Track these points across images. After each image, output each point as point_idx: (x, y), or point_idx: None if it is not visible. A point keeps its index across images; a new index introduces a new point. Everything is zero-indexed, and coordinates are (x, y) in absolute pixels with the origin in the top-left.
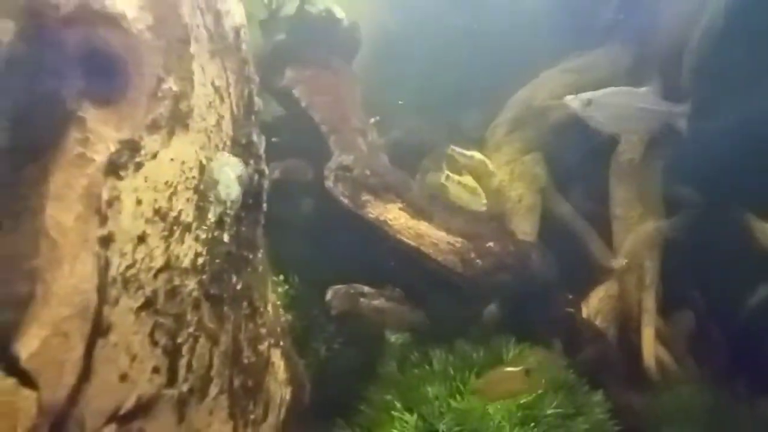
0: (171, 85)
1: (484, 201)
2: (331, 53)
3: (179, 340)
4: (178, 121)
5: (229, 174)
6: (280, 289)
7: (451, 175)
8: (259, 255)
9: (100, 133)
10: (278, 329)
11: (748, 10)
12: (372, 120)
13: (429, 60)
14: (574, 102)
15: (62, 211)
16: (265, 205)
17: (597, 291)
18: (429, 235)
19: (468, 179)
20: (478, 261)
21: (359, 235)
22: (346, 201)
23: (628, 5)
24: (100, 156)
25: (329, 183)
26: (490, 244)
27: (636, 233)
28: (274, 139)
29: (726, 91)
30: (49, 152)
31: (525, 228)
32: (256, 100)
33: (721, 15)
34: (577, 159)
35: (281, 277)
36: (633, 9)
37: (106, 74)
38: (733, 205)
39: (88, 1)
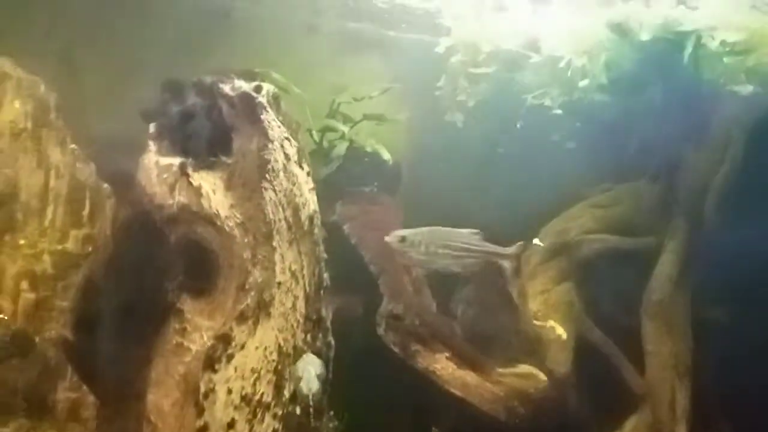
0: (256, 277)
1: None
2: (378, 189)
3: None
4: (262, 309)
5: (311, 372)
6: (331, 424)
7: None
8: (324, 419)
9: (196, 323)
10: None
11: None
12: None
13: (457, 189)
14: (391, 238)
15: (162, 396)
16: (330, 374)
17: (630, 420)
18: (475, 385)
19: None
20: (520, 409)
21: (407, 378)
22: (397, 350)
23: (652, 145)
24: (195, 345)
25: (381, 330)
26: (532, 390)
27: (662, 357)
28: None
29: (747, 217)
30: (152, 340)
31: (560, 359)
32: (325, 276)
33: (741, 157)
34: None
35: (332, 413)
36: (657, 148)
37: (202, 267)
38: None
39: (189, 203)
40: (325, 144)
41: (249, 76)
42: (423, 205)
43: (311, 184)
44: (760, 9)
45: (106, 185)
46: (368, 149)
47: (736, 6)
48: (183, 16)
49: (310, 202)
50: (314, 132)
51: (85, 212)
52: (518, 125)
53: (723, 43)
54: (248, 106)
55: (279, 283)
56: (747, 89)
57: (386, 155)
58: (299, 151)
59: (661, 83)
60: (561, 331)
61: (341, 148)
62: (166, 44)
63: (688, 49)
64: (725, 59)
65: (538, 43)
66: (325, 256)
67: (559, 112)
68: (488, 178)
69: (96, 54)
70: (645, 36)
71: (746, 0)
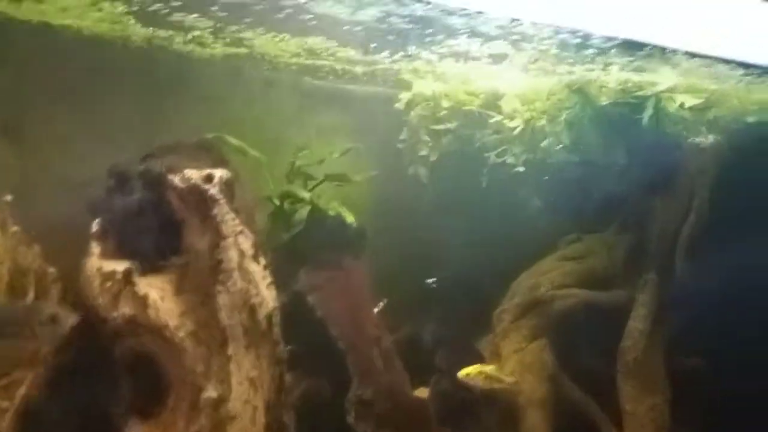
0: (210, 393)
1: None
2: (343, 253)
3: None
4: (217, 429)
5: None
6: None
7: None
8: None
9: None
10: None
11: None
12: (380, 304)
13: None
14: None
15: None
16: None
17: None
18: None
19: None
20: None
21: None
22: None
23: (619, 197)
24: None
25: (350, 419)
26: None
27: (639, 416)
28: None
29: (716, 265)
30: None
31: (537, 420)
32: (286, 378)
33: (706, 206)
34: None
35: None
36: (624, 200)
37: (150, 385)
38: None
39: (135, 315)
40: (286, 206)
41: (203, 147)
42: (388, 264)
43: (269, 278)
44: (717, 77)
45: (52, 269)
46: (331, 212)
47: (694, 70)
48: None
49: (267, 299)
50: (275, 199)
51: (29, 298)
52: (483, 183)
53: (682, 105)
54: (198, 200)
55: (234, 398)
56: (708, 140)
57: (350, 217)
58: (255, 244)
59: (623, 142)
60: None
61: (303, 212)
62: (119, 114)
63: (649, 111)
64: (685, 115)
65: (498, 101)
66: (284, 356)
67: (521, 169)
68: (454, 233)
69: (42, 126)
70: (605, 99)
71: (703, 68)
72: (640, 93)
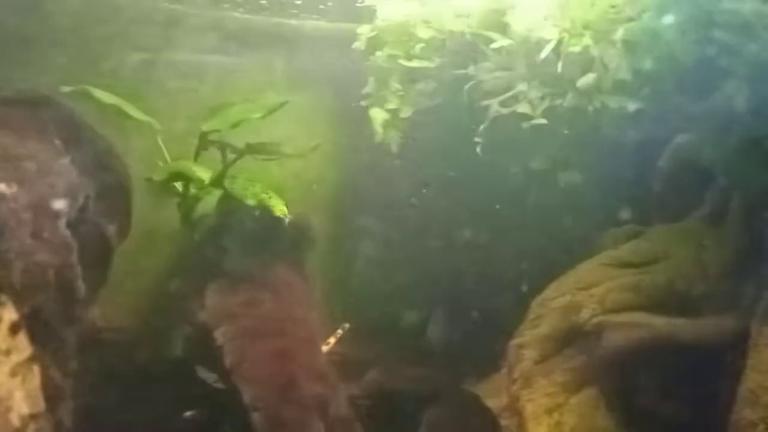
0: None
1: None
2: (271, 262)
3: None
4: None
5: None
6: None
7: None
8: None
9: None
10: None
11: None
12: (341, 330)
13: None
14: None
15: None
16: None
17: None
18: None
19: None
20: None
21: None
22: None
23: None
24: None
25: None
26: None
27: None
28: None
29: None
30: None
31: None
32: None
33: None
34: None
35: None
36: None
37: None
38: None
39: None
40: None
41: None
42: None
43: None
44: None
45: None
46: (249, 201)
47: None
48: None
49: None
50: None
51: None
52: (479, 149)
53: None
54: None
55: None
56: None
57: (280, 208)
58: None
59: (745, 74)
60: None
61: (208, 203)
62: None
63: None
64: None
65: (503, 17)
66: None
67: (542, 121)
68: (441, 226)
69: None
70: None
71: None
72: None
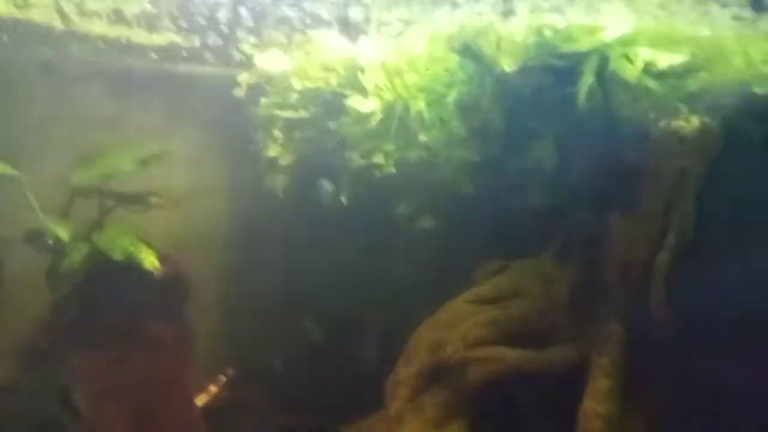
0: None
1: None
2: (144, 316)
3: None
4: None
5: None
6: None
7: None
8: None
9: None
10: None
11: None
12: (224, 376)
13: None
14: None
15: None
16: None
17: None
18: None
19: None
20: None
21: None
22: None
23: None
24: None
25: None
26: None
27: None
28: None
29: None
30: None
31: None
32: None
33: (691, 226)
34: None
35: None
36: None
37: None
38: None
39: None
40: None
41: None
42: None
43: None
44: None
45: None
46: (117, 256)
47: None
48: None
49: None
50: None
51: None
52: (344, 198)
53: (649, 68)
54: None
55: None
56: (692, 124)
57: (150, 262)
58: None
59: (551, 132)
60: None
61: (75, 257)
62: None
63: (588, 79)
64: (653, 85)
65: (356, 77)
66: None
67: (392, 170)
68: (320, 272)
69: None
70: (509, 63)
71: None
72: (569, 49)
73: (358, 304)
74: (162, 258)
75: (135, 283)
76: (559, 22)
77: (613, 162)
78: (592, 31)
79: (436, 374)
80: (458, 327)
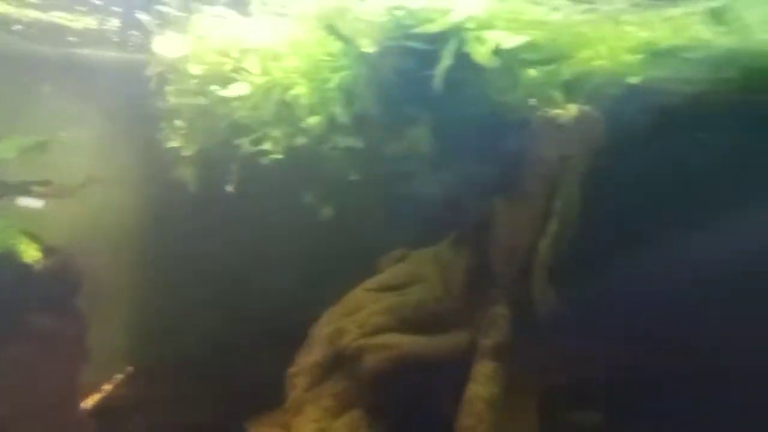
0: None
1: None
2: (26, 311)
3: None
4: None
5: None
6: None
7: None
8: None
9: None
10: None
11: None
12: (122, 374)
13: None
14: None
15: None
16: None
17: None
18: None
19: None
20: None
21: None
22: None
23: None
24: None
25: None
26: None
27: None
28: None
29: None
30: None
31: None
32: None
33: (575, 213)
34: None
35: None
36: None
37: None
38: None
39: None
40: None
41: None
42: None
43: None
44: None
45: None
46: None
47: None
48: None
49: None
50: None
51: None
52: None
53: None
54: None
55: None
56: (571, 112)
57: (30, 255)
58: None
59: (425, 117)
60: None
61: None
62: None
63: (445, 62)
64: (530, 71)
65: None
66: None
67: (279, 156)
68: (226, 263)
69: None
70: (366, 44)
71: None
72: (423, 30)
73: (262, 295)
74: (47, 250)
75: (14, 275)
76: (417, 3)
77: (494, 148)
78: (444, 12)
79: (336, 364)
80: (357, 315)
